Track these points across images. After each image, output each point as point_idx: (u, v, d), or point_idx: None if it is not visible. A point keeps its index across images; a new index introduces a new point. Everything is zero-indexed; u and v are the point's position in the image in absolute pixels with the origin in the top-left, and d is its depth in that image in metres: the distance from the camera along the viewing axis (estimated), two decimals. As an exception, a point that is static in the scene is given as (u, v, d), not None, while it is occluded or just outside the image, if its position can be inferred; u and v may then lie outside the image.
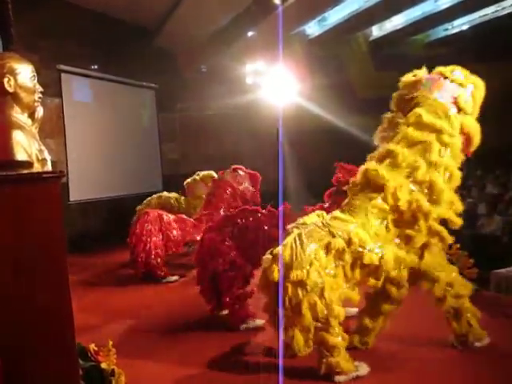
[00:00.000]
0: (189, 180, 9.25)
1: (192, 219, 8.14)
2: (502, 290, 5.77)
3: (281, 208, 5.52)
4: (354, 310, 4.76)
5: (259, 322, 5.15)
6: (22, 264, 2.37)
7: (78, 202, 10.79)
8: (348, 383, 3.77)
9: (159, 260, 7.54)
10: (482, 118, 4.15)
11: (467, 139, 4.17)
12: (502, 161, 11.57)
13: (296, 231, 3.92)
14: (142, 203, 9.25)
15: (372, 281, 3.95)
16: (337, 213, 4.11)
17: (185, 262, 8.86)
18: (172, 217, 7.95)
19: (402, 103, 4.40)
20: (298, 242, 3.83)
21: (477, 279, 4.86)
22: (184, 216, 8.16)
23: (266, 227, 5.30)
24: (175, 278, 7.61)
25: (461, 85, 4.18)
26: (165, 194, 9.46)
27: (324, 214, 4.16)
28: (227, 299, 5.16)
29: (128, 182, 12.04)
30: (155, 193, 10.59)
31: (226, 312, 5.39)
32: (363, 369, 3.92)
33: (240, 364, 4.32)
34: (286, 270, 3.74)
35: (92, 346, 3.25)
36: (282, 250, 3.82)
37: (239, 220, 5.37)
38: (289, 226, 4.10)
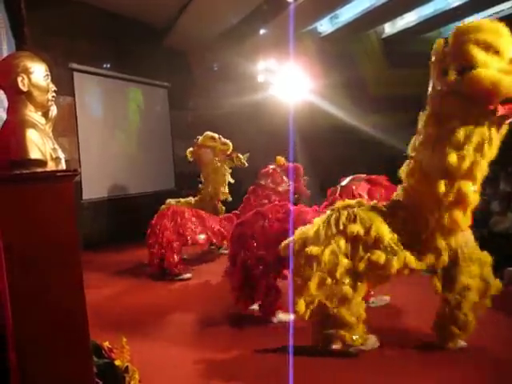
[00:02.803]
0: (191, 149, 9.23)
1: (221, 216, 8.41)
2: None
3: (292, 208, 5.54)
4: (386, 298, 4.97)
5: (291, 315, 5.17)
6: (35, 262, 2.38)
7: (90, 201, 10.84)
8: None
9: (175, 256, 7.56)
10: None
11: None
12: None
13: (328, 213, 4.22)
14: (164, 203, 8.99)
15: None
16: (375, 203, 4.30)
17: (199, 258, 8.93)
18: (189, 212, 8.00)
19: None
20: (324, 223, 4.13)
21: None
22: (202, 212, 8.22)
23: (296, 221, 5.35)
24: (189, 275, 7.60)
25: None
26: (190, 198, 9.25)
27: (364, 201, 4.36)
28: (259, 293, 5.18)
29: (141, 180, 12.08)
30: (168, 191, 10.61)
31: (254, 307, 5.42)
32: (371, 342, 4.05)
33: (267, 360, 4.31)
34: (306, 245, 4.10)
35: (106, 344, 3.27)
36: (310, 227, 4.20)
37: (271, 215, 5.38)
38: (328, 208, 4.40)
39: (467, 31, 3.52)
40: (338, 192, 5.75)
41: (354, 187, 5.80)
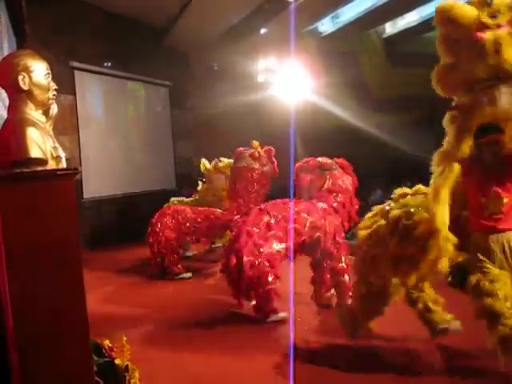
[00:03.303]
0: (208, 167, 9.01)
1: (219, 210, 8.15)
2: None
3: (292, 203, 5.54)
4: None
5: (283, 314, 5.16)
6: (35, 262, 2.37)
7: (91, 200, 10.83)
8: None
9: (175, 255, 7.56)
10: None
11: None
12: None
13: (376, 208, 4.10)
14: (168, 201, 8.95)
15: None
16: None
17: (200, 258, 8.93)
18: (189, 210, 7.97)
19: None
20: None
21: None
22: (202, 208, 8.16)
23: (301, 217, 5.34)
24: (189, 274, 7.60)
25: None
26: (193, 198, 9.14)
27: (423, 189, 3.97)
28: (257, 293, 5.12)
29: (142, 179, 12.07)
30: (169, 190, 10.57)
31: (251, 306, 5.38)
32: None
33: (268, 359, 4.29)
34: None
35: (106, 342, 3.26)
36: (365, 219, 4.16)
37: (274, 212, 5.36)
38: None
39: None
40: (330, 183, 5.73)
41: (336, 173, 5.85)
